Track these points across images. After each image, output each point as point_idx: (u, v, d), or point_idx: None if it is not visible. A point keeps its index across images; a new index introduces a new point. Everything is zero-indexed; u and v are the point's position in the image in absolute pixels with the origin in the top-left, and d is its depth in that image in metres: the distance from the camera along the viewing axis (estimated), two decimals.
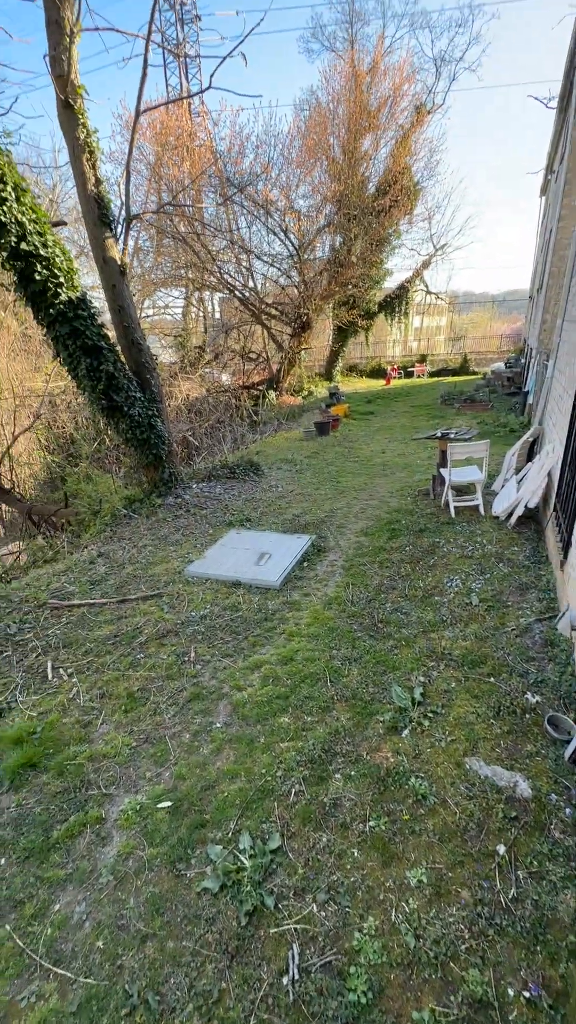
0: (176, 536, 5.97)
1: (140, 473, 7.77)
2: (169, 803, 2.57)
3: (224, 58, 5.92)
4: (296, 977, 1.83)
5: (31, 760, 2.90)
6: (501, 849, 2.17)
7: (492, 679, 3.15)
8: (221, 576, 4.85)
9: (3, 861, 2.37)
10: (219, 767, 2.77)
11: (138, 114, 5.99)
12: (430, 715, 2.92)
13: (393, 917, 1.97)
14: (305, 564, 5.04)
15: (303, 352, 19.95)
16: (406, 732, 2.84)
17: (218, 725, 3.08)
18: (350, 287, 18.81)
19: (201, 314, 23.56)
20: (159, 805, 2.57)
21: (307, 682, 3.36)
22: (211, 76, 5.94)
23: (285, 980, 1.82)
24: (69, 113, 5.90)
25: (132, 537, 6.06)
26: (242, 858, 2.24)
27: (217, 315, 24.13)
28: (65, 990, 1.86)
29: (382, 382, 22.52)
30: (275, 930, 1.98)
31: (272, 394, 17.79)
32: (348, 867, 2.18)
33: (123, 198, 6.67)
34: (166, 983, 1.85)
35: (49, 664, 3.78)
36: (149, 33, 5.69)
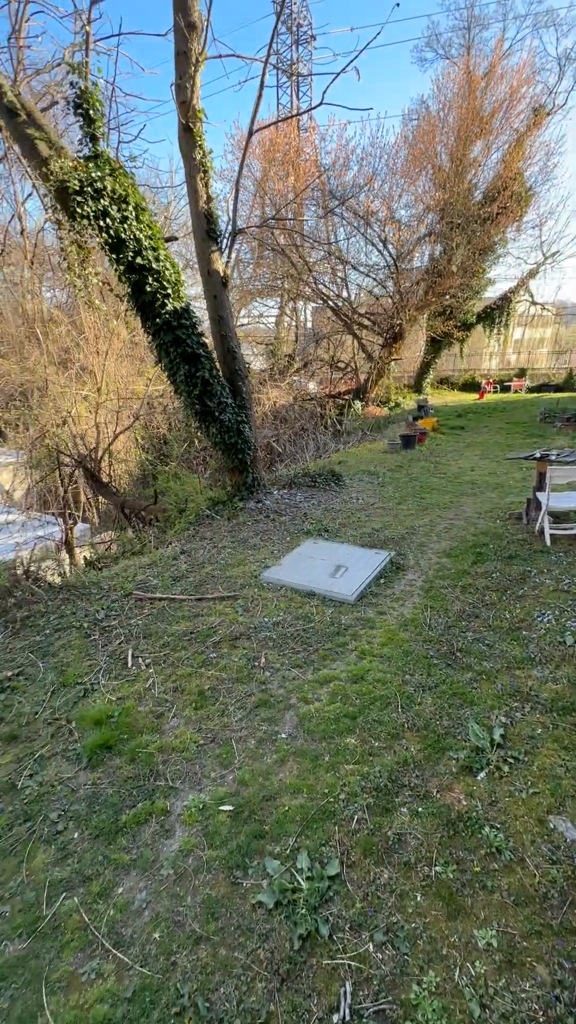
0: (255, 540, 6.09)
1: (224, 476, 8.04)
2: (231, 807, 2.59)
3: (337, 74, 6.00)
4: (347, 1018, 1.74)
5: (108, 742, 3.07)
6: None
7: None
8: (296, 585, 4.85)
9: (76, 835, 2.52)
10: (282, 779, 2.75)
11: (251, 134, 6.25)
12: (511, 760, 2.69)
13: (456, 977, 1.82)
14: (382, 581, 4.90)
15: (393, 363, 19.63)
16: (482, 775, 2.64)
17: (283, 736, 3.07)
18: (447, 297, 18.22)
19: (293, 323, 24.03)
20: (221, 807, 2.60)
21: (377, 704, 3.24)
22: (324, 92, 6.05)
23: (335, 1019, 1.75)
24: (188, 136, 6.29)
25: (213, 538, 6.27)
26: (299, 878, 2.19)
27: (308, 325, 24.50)
28: (121, 974, 1.92)
29: (474, 396, 21.53)
30: (328, 962, 1.91)
31: (358, 404, 17.67)
32: (410, 911, 2.05)
33: (230, 213, 6.97)
34: (216, 991, 1.85)
35: (130, 652, 3.99)
36: (268, 56, 5.93)
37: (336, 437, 14.90)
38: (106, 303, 10.29)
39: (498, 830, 2.33)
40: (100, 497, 10.33)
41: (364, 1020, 1.74)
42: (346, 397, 19.06)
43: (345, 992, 1.82)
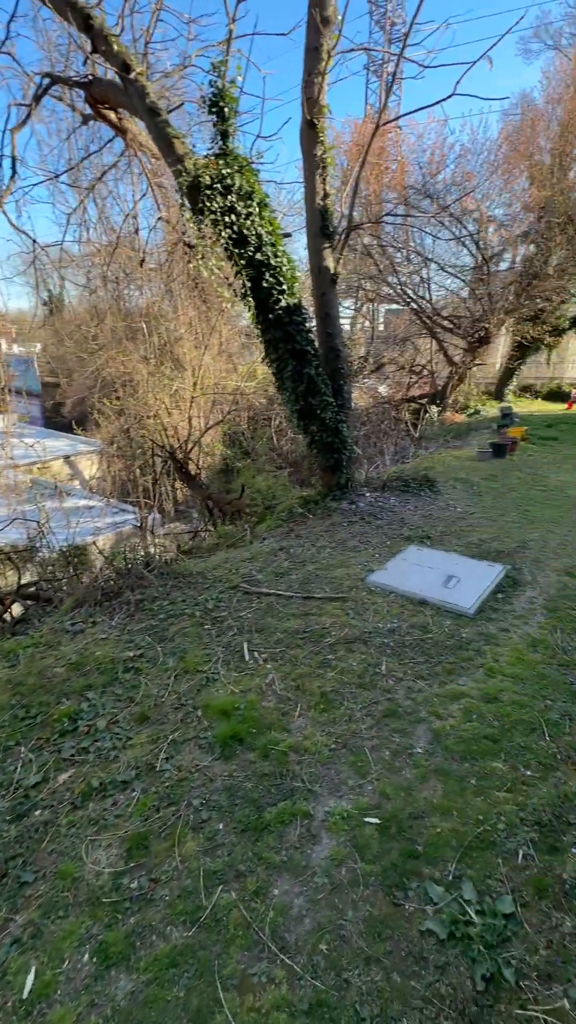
0: (353, 542, 5.96)
1: (316, 475, 7.98)
2: (377, 820, 2.48)
3: (472, 63, 5.74)
4: None
5: (238, 734, 3.05)
6: None
7: None
8: (406, 591, 4.68)
9: (221, 827, 2.49)
10: (426, 797, 2.60)
11: (377, 127, 6.13)
12: None
13: None
14: (499, 596, 4.62)
15: (475, 368, 18.88)
16: None
17: (419, 751, 2.92)
18: (541, 300, 17.26)
19: (368, 325, 23.71)
20: (366, 819, 2.49)
21: (519, 729, 3.02)
22: (456, 83, 5.83)
23: None
24: (311, 132, 6.26)
25: (309, 536, 6.21)
26: (469, 911, 2.04)
27: (381, 327, 24.07)
28: (294, 983, 1.86)
29: (562, 406, 20.26)
30: (520, 1011, 1.75)
31: (435, 409, 17.13)
32: None
33: (344, 209, 6.89)
34: (399, 1021, 1.73)
35: (245, 645, 3.98)
36: (402, 50, 5.78)
37: (415, 442, 14.51)
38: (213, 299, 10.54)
39: None
40: (187, 488, 10.60)
41: None
42: (421, 401, 18.54)
43: None
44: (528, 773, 2.70)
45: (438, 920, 2.02)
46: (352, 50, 6.19)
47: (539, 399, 22.61)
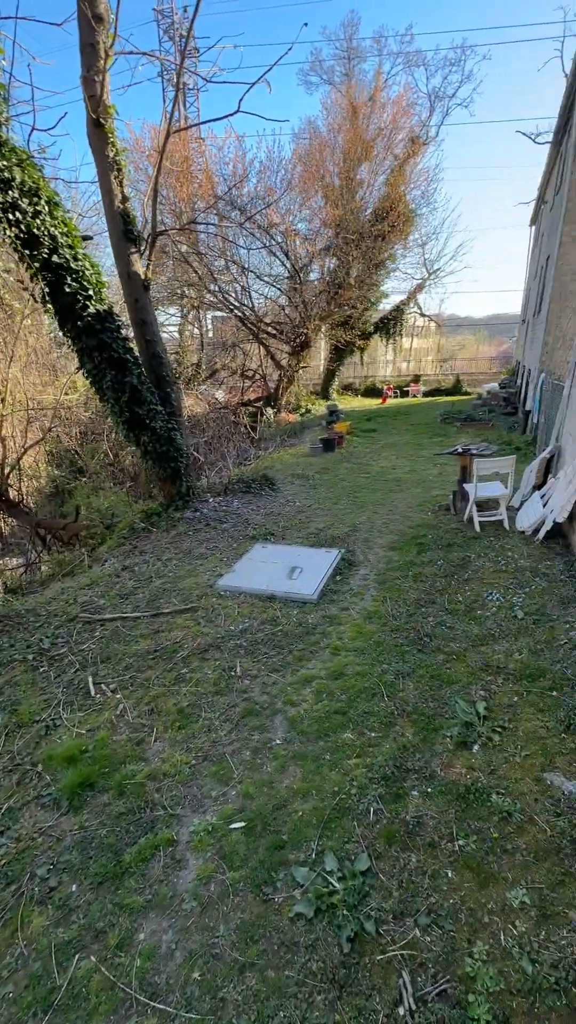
0: (201, 550, 5.89)
1: (156, 487, 7.70)
2: (242, 824, 2.47)
3: (252, 84, 6.07)
4: (413, 1007, 1.74)
5: (88, 779, 2.78)
6: None
7: (555, 692, 3.12)
8: (254, 590, 4.78)
9: (75, 888, 2.24)
10: (288, 785, 2.68)
11: (167, 135, 6.10)
12: (498, 729, 2.88)
13: (503, 941, 1.90)
14: (338, 578, 5.00)
15: (301, 370, 20.20)
16: (476, 747, 2.79)
17: (278, 742, 3.00)
18: (348, 308, 19.18)
19: (197, 332, 23.76)
20: (232, 826, 2.47)
21: (363, 697, 3.29)
22: (240, 101, 6.14)
23: (402, 1011, 1.74)
24: (99, 132, 5.98)
25: (155, 551, 5.97)
26: (332, 880, 2.15)
27: (210, 334, 24.35)
28: None
29: (377, 401, 22.84)
30: (381, 957, 1.89)
31: (270, 411, 17.92)
32: (444, 889, 2.11)
33: (147, 215, 6.74)
34: (275, 1016, 1.74)
35: (90, 679, 3.65)
36: (182, 60, 5.84)
37: (254, 444, 14.98)
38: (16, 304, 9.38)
39: (504, 795, 2.47)
40: (10, 517, 9.35)
41: (429, 1004, 1.75)
42: (257, 405, 19.22)
43: (404, 982, 1.81)
44: (373, 735, 2.96)
45: (305, 901, 2.09)
46: (133, 53, 6.05)
47: (359, 396, 25.15)
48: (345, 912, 2.03)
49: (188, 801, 2.64)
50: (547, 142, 12.94)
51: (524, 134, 18.69)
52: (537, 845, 2.23)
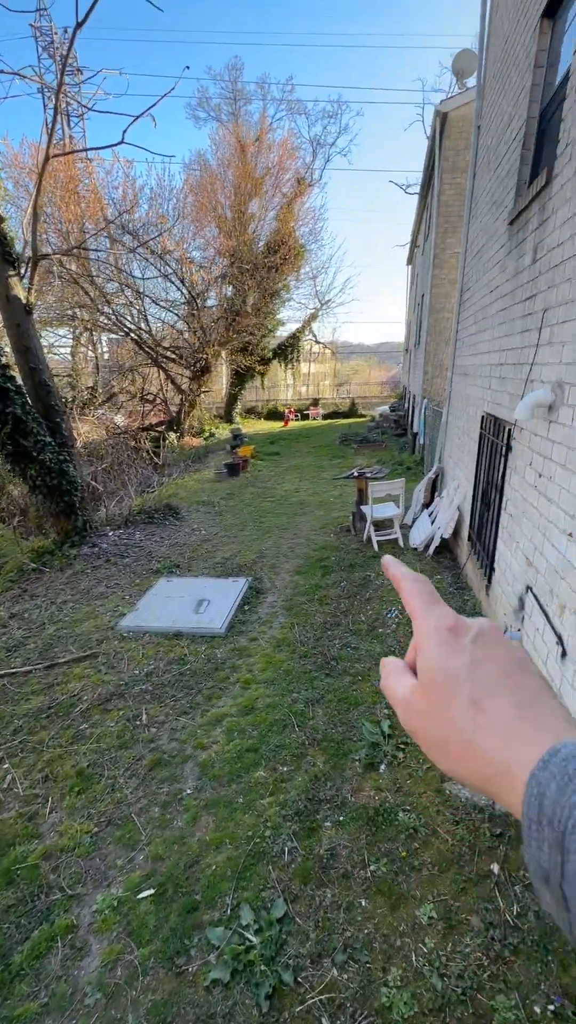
0: (100, 588, 5.54)
1: (48, 522, 7.14)
2: (151, 891, 2.32)
3: (137, 117, 6.06)
4: None
5: None
6: (495, 868, 2.29)
7: None
8: (159, 628, 4.59)
9: None
10: (200, 838, 2.56)
11: (47, 158, 5.86)
12: (402, 746, 3.02)
13: (415, 961, 1.96)
14: (246, 607, 4.97)
15: (203, 394, 20.16)
16: (383, 767, 2.90)
17: (188, 791, 2.87)
18: (246, 334, 19.61)
19: (92, 354, 22.79)
20: (140, 895, 2.30)
21: (274, 730, 3.28)
22: (124, 132, 6.05)
23: None
24: None
25: (48, 593, 5.50)
26: (248, 935, 2.08)
27: (106, 356, 23.52)
28: None
29: (280, 424, 23.44)
30: (300, 1008, 1.86)
31: (173, 436, 17.60)
32: (359, 919, 2.13)
33: (28, 237, 6.38)
34: None
35: None
36: (60, 80, 5.69)
37: (158, 470, 14.56)
38: None
39: (409, 812, 2.58)
40: None
41: None
42: (159, 429, 18.79)
43: None
44: (285, 769, 2.95)
45: (221, 964, 1.99)
46: (4, 72, 5.76)
47: (262, 419, 25.63)
48: (263, 967, 1.97)
49: (90, 876, 2.42)
50: (415, 193, 14.48)
51: (396, 184, 20.77)
52: (441, 856, 2.35)
